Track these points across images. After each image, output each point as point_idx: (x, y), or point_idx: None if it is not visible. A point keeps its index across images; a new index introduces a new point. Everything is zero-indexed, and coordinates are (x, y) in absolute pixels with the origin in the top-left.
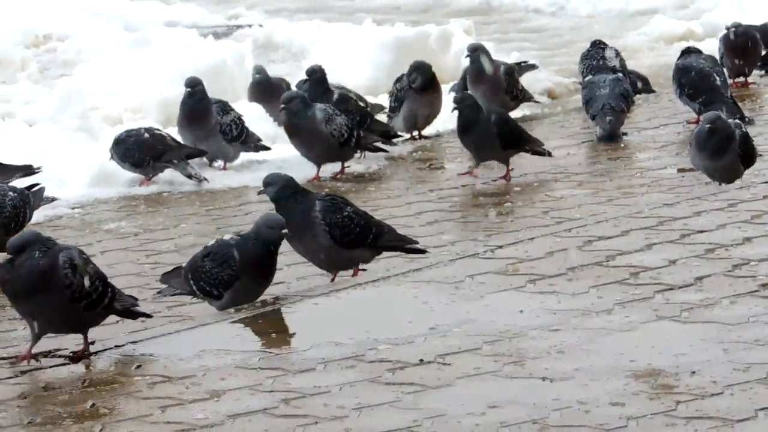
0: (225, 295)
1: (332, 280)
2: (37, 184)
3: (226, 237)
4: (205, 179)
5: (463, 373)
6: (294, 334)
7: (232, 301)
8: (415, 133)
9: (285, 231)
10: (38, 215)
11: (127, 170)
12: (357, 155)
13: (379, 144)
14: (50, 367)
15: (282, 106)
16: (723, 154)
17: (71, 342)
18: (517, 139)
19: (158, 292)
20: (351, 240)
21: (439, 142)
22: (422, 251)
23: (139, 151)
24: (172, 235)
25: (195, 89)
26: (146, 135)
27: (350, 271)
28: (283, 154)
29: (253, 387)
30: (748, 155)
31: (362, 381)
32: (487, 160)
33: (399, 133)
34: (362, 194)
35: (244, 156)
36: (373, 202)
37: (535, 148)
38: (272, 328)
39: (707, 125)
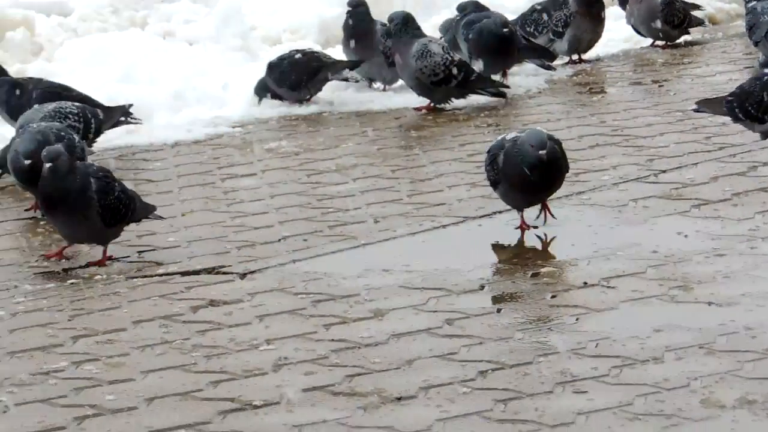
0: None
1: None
2: None
3: (509, 136)
4: (368, 81)
5: (628, 297)
6: (457, 255)
7: (503, 198)
8: (575, 56)
9: (543, 152)
10: (200, 133)
11: (285, 96)
12: (454, 102)
13: (487, 92)
14: (215, 283)
15: (387, 23)
16: None
17: (234, 259)
18: None
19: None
20: (116, 221)
21: (599, 66)
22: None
23: (295, 72)
24: (332, 155)
25: (357, 9)
26: (298, 55)
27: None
28: None
29: (416, 307)
30: None
31: (525, 302)
32: None
33: (561, 55)
34: (523, 117)
35: None
36: (534, 125)
37: None
38: (435, 249)
39: None
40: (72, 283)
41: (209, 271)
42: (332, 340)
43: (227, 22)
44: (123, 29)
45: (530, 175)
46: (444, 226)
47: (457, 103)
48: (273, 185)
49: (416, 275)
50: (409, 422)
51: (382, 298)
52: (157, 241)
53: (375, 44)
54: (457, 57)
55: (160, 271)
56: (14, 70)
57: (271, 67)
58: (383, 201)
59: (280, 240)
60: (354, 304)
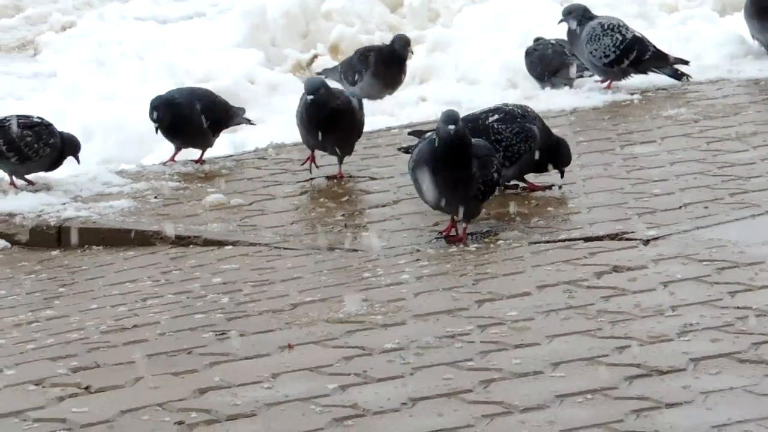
0: None
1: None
2: None
3: None
4: None
5: None
6: None
7: None
8: None
9: None
10: (598, 100)
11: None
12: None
13: (663, 72)
14: (618, 249)
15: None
16: None
17: (635, 225)
18: None
19: None
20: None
21: None
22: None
23: (540, 64)
24: (731, 123)
25: None
26: (549, 50)
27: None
28: None
29: None
30: None
31: None
32: None
33: None
34: None
35: None
36: None
37: None
38: None
39: None
40: (476, 248)
41: (612, 237)
42: (737, 307)
43: None
44: None
45: None
46: None
47: None
48: (672, 152)
49: None
50: None
51: None
52: (557, 206)
53: None
54: (630, 35)
55: (563, 236)
56: (413, 36)
57: (527, 53)
58: None
59: (681, 207)
60: (759, 271)
